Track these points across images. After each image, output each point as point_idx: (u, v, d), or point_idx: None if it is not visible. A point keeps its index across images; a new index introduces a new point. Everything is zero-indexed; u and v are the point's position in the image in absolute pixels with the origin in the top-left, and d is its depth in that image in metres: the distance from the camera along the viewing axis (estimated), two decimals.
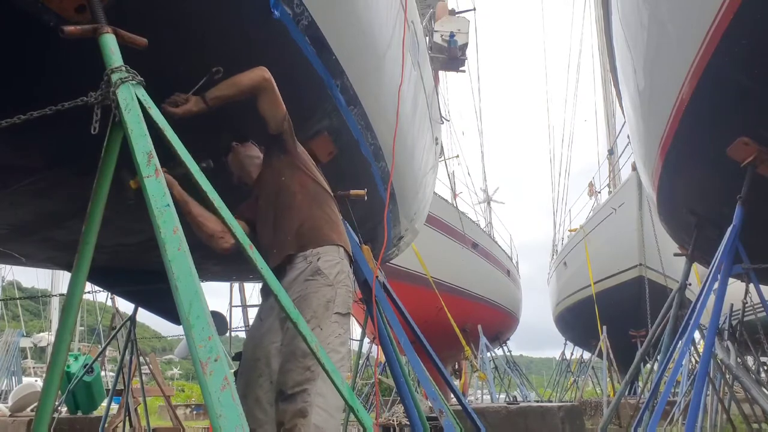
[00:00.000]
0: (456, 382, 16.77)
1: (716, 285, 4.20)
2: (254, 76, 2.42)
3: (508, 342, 19.86)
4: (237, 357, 2.66)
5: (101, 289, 5.20)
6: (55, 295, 17.90)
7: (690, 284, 6.18)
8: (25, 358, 24.04)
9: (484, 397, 17.37)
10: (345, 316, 2.51)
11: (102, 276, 4.46)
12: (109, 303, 8.07)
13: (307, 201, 2.64)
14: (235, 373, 2.56)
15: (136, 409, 7.00)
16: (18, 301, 25.18)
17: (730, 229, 4.12)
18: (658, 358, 6.00)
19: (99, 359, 7.89)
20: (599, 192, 19.63)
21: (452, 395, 6.25)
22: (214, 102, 2.36)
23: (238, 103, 2.44)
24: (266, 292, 2.71)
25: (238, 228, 1.77)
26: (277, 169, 2.69)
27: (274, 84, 2.46)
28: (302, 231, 2.56)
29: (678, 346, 5.13)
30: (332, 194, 2.82)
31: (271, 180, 2.70)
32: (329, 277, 2.48)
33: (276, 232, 2.62)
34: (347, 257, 2.63)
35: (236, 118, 2.72)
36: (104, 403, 8.02)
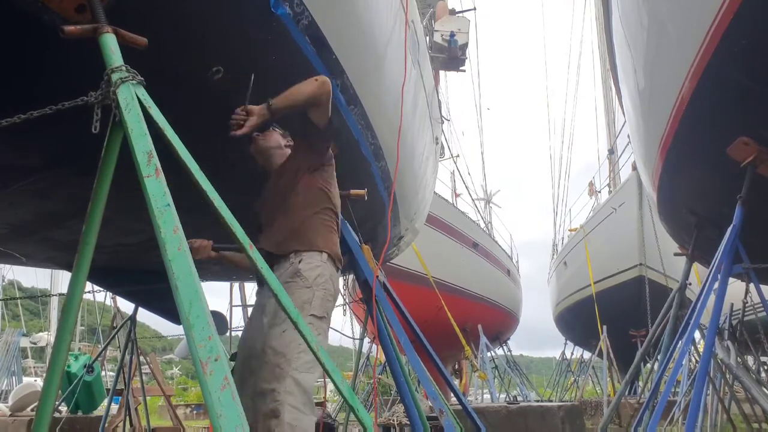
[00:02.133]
0: (456, 382, 16.76)
1: (716, 285, 4.20)
2: (320, 89, 2.47)
3: (508, 342, 19.87)
4: (233, 357, 2.67)
5: (101, 289, 5.20)
6: (55, 295, 17.88)
7: (690, 284, 6.18)
8: (26, 357, 24.03)
9: (484, 396, 17.37)
10: (321, 320, 2.49)
11: (102, 276, 4.47)
12: (109, 303, 8.07)
13: (305, 204, 2.63)
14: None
15: (136, 409, 7.00)
16: (18, 300, 25.17)
17: (730, 229, 4.12)
18: (659, 357, 6.01)
19: (99, 359, 7.89)
20: (599, 192, 19.65)
21: (452, 395, 6.25)
22: (280, 112, 2.43)
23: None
24: (257, 291, 2.74)
25: (237, 227, 1.77)
26: (296, 165, 2.69)
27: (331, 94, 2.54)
28: (292, 233, 2.58)
29: (678, 345, 5.13)
30: (335, 207, 2.78)
31: (286, 173, 2.71)
32: (308, 279, 2.49)
33: (270, 227, 2.65)
34: (332, 263, 2.61)
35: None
36: (104, 403, 8.03)
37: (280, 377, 2.28)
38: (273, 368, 2.30)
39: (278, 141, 2.88)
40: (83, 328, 22.57)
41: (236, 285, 9.14)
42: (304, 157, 2.69)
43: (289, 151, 2.84)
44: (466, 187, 21.81)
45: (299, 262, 2.52)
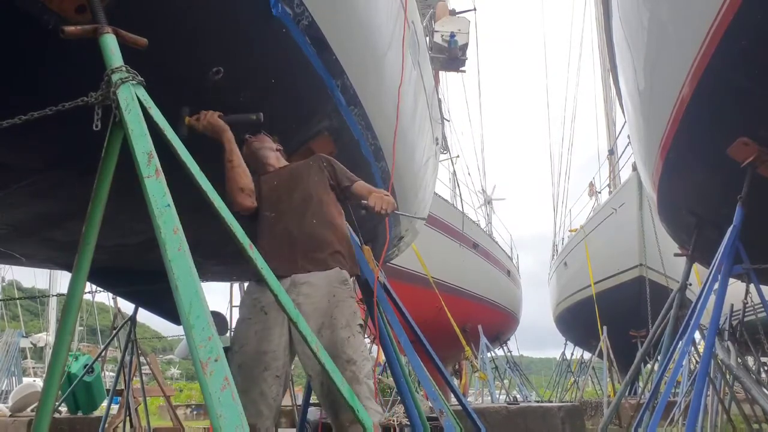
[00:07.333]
0: (456, 383, 16.74)
1: (716, 285, 4.20)
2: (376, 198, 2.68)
3: (508, 342, 19.86)
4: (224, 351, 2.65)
5: (101, 289, 5.19)
6: (55, 295, 17.88)
7: (690, 284, 6.18)
8: (25, 358, 24.02)
9: (485, 397, 17.35)
10: (363, 328, 2.65)
11: (102, 276, 4.46)
12: (109, 303, 8.07)
13: (338, 220, 2.76)
14: None
15: (136, 409, 7.00)
16: (18, 301, 25.16)
17: (730, 229, 4.11)
18: (659, 358, 6.00)
19: (99, 359, 7.89)
20: (599, 192, 19.65)
21: (452, 395, 6.24)
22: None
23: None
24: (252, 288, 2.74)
25: (237, 227, 1.77)
26: (315, 181, 2.77)
27: None
28: (340, 243, 2.67)
29: (678, 346, 5.13)
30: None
31: (299, 183, 2.75)
32: (352, 290, 2.63)
33: (298, 238, 2.64)
34: None
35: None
36: (104, 403, 8.02)
37: (354, 384, 2.36)
38: (350, 376, 2.38)
39: (270, 142, 2.93)
40: (82, 328, 22.56)
41: (236, 285, 9.13)
42: (319, 174, 2.80)
43: (278, 153, 2.93)
44: (481, 180, 21.69)
45: (344, 272, 2.63)
